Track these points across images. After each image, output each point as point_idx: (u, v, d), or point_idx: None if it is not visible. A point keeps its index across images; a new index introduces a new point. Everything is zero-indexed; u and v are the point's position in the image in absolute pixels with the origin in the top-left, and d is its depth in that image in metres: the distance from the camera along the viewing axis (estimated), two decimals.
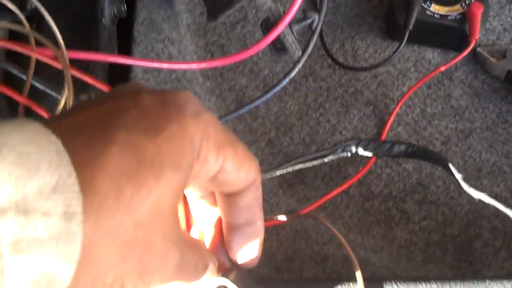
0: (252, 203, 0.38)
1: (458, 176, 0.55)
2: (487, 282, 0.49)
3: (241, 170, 0.36)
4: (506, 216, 0.69)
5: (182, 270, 0.34)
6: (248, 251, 0.40)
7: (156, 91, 0.32)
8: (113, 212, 0.27)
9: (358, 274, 0.48)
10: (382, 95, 0.77)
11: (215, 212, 0.41)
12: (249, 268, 0.41)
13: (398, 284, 0.49)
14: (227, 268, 0.40)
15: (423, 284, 0.49)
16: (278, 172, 0.59)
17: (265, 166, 0.64)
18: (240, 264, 0.41)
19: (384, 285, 0.49)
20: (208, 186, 0.38)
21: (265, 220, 0.42)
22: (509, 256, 0.68)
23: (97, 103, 0.30)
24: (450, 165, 0.56)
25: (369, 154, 0.60)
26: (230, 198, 0.38)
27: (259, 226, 0.40)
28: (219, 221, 0.41)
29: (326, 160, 0.60)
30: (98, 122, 0.29)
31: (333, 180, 0.72)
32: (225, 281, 0.39)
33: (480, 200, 0.70)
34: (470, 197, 0.71)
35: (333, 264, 0.63)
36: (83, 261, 0.26)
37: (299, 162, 0.60)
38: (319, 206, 0.69)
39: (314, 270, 0.61)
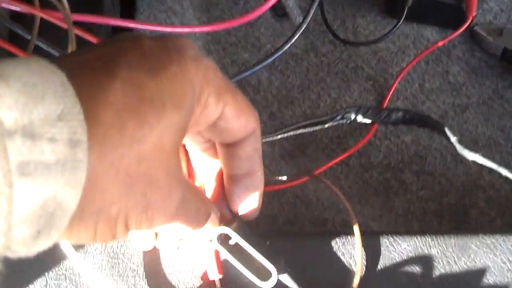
0: (251, 154, 0.40)
1: (453, 139, 0.57)
2: (480, 236, 0.50)
3: (241, 118, 0.37)
4: (501, 186, 0.71)
5: (184, 211, 0.34)
6: (248, 202, 0.42)
7: (157, 36, 0.33)
8: (116, 144, 0.28)
9: (356, 227, 0.50)
10: (381, 70, 0.79)
11: (216, 165, 0.43)
12: (249, 219, 0.43)
13: (394, 237, 0.50)
14: (228, 219, 0.42)
15: (419, 238, 0.50)
16: (280, 136, 0.61)
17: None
18: (241, 215, 0.42)
19: (381, 238, 0.50)
20: (209, 135, 0.39)
21: (268, 184, 0.43)
22: (503, 225, 0.69)
23: (100, 45, 0.31)
24: (446, 129, 0.58)
25: (368, 121, 0.62)
26: (230, 148, 0.40)
27: (259, 177, 0.41)
28: (220, 174, 0.43)
29: (326, 126, 0.62)
30: (101, 61, 0.30)
31: (333, 152, 0.74)
32: (226, 229, 0.40)
33: (476, 171, 0.72)
34: (466, 167, 0.72)
35: (333, 228, 0.64)
36: (88, 191, 0.27)
37: (300, 127, 0.61)
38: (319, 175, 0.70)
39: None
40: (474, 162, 0.56)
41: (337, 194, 0.52)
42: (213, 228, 0.40)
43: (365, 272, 0.48)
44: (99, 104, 0.28)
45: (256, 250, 0.41)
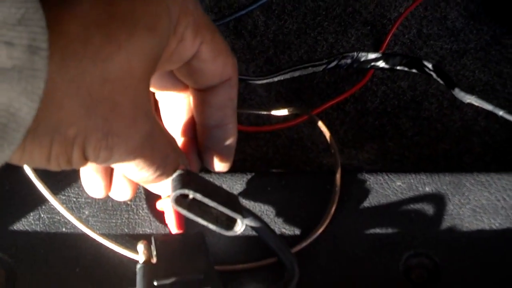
0: (224, 103, 0.37)
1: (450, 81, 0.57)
2: (475, 174, 0.50)
3: (217, 60, 0.35)
4: (496, 132, 0.71)
5: (150, 147, 0.32)
6: (220, 154, 0.40)
7: None
8: (79, 57, 0.26)
9: (336, 152, 0.49)
10: (379, 15, 0.78)
11: (186, 118, 0.41)
12: (221, 172, 0.41)
13: (389, 175, 0.50)
14: (182, 172, 0.37)
15: (413, 175, 0.50)
16: (276, 79, 0.60)
17: None
18: (213, 170, 0.40)
19: (375, 176, 0.50)
20: (182, 76, 0.37)
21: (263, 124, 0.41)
22: (498, 170, 0.69)
23: None
24: (443, 71, 0.57)
25: (365, 66, 0.61)
26: (203, 94, 0.37)
27: (231, 129, 0.39)
28: (189, 127, 0.41)
29: (321, 68, 0.61)
30: None
31: (329, 97, 0.73)
32: (183, 191, 0.36)
33: (471, 116, 0.72)
34: (462, 113, 0.73)
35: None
36: (45, 106, 0.25)
37: (296, 70, 0.61)
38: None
39: None
40: (470, 106, 0.56)
41: (326, 133, 0.51)
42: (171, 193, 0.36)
43: (358, 209, 0.48)
44: (63, 14, 0.26)
45: (215, 198, 0.37)
